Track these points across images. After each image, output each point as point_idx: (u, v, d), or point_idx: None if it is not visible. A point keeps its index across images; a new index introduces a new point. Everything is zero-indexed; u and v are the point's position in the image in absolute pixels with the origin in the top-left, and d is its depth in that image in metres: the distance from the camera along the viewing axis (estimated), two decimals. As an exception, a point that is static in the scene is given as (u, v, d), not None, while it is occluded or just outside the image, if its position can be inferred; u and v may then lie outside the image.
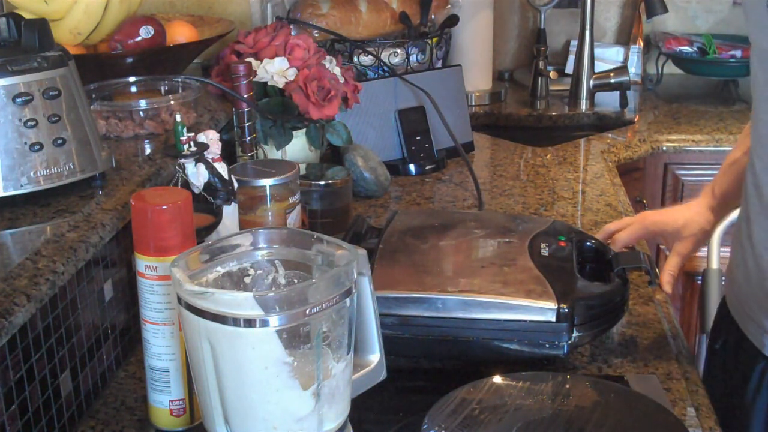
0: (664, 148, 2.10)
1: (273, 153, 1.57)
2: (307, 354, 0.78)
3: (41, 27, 1.08)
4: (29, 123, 1.04)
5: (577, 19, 2.34)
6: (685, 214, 1.25)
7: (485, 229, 1.21)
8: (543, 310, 1.04)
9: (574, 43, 2.39)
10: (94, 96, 1.36)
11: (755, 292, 1.14)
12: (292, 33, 1.76)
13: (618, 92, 2.28)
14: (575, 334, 1.04)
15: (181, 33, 1.68)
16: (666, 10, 2.39)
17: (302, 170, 1.45)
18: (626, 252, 1.23)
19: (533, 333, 1.04)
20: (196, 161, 1.06)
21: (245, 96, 1.43)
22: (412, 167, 1.82)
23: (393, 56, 1.98)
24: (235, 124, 1.46)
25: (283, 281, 0.86)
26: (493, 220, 1.29)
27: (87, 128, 1.10)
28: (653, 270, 1.19)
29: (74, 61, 1.11)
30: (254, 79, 1.53)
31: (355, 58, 1.98)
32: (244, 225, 1.17)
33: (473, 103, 2.30)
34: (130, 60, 1.54)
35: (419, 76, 1.88)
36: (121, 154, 1.26)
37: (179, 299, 0.79)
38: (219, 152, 1.11)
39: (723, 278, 1.32)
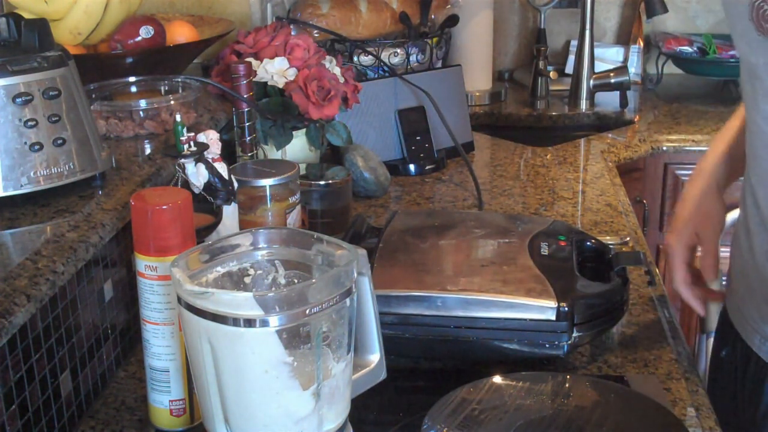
0: (664, 148, 2.09)
1: (273, 153, 1.57)
2: (307, 354, 0.78)
3: (41, 27, 1.08)
4: (29, 123, 1.04)
5: (577, 19, 2.34)
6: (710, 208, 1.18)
7: (485, 229, 1.21)
8: (543, 308, 1.04)
9: (574, 43, 2.38)
10: (94, 96, 1.36)
11: (759, 305, 1.10)
12: (292, 33, 1.76)
13: (618, 92, 2.27)
14: (575, 333, 1.04)
15: (181, 33, 1.68)
16: (666, 10, 2.39)
17: (302, 170, 1.45)
18: (626, 252, 1.23)
19: (533, 332, 1.04)
20: (196, 161, 1.06)
21: (245, 96, 1.43)
22: (412, 167, 1.82)
23: (393, 56, 1.98)
24: (235, 124, 1.46)
25: (283, 281, 0.86)
26: (493, 220, 1.29)
27: (87, 128, 1.10)
28: (653, 270, 1.18)
29: (74, 61, 1.11)
30: (254, 79, 1.53)
31: (355, 58, 1.98)
32: (244, 225, 1.17)
33: (473, 103, 2.30)
34: (130, 60, 1.54)
35: (419, 76, 1.88)
36: (121, 154, 1.26)
37: (179, 299, 0.79)
38: (219, 152, 1.11)
39: (724, 278, 1.28)
